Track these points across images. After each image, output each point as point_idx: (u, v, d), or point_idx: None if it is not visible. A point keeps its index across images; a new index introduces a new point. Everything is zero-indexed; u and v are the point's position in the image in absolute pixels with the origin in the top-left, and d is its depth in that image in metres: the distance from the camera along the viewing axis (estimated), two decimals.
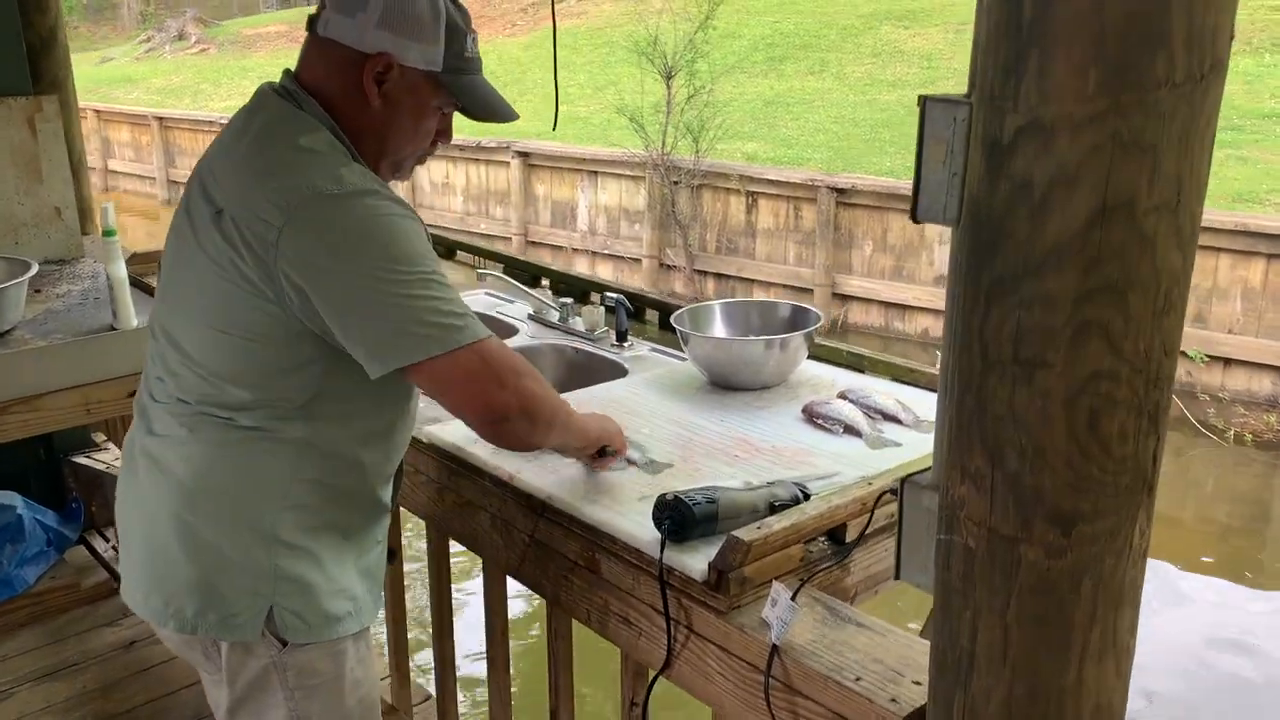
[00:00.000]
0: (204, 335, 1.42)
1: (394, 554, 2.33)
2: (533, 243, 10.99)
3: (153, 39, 23.88)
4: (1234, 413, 7.09)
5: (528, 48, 16.42)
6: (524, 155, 10.85)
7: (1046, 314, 0.91)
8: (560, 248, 10.80)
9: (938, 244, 8.44)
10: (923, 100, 1.01)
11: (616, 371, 2.50)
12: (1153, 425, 0.95)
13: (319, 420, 1.44)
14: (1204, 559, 5.60)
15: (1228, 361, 7.25)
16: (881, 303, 8.81)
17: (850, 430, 2.02)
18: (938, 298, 8.27)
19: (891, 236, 8.71)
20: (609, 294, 2.77)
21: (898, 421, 2.07)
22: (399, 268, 1.33)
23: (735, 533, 1.44)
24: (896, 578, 1.16)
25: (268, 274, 1.34)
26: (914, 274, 8.63)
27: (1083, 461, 0.93)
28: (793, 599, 1.35)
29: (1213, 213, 7.32)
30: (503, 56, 15.61)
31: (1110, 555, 0.96)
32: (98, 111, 16.25)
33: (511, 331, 2.80)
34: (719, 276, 9.74)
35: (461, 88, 1.51)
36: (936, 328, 8.16)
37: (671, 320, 2.37)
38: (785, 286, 9.31)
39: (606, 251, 10.43)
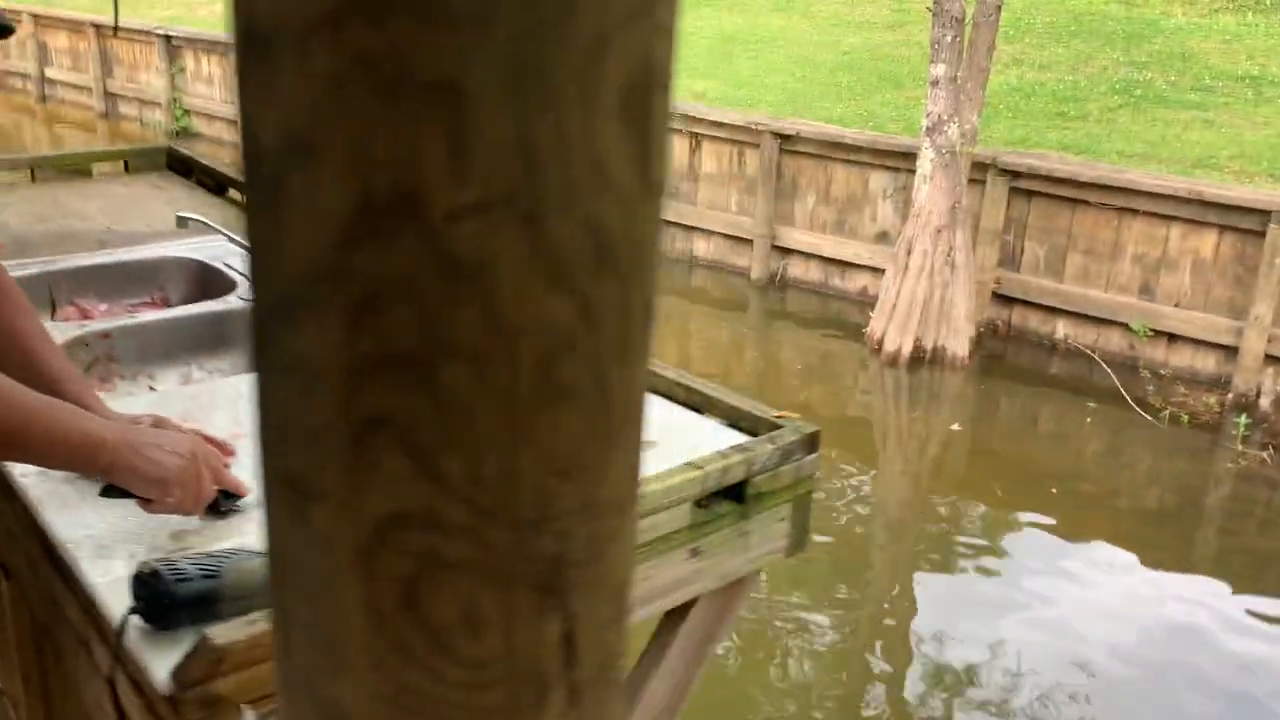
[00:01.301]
0: None
1: None
2: None
3: None
4: (1173, 391, 6.72)
5: None
6: None
7: (305, 395, 0.48)
8: None
9: (881, 199, 7.98)
10: None
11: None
12: (552, 600, 0.52)
13: None
14: (1122, 546, 5.25)
15: (1172, 337, 6.86)
16: (822, 258, 8.37)
17: None
18: (879, 255, 7.84)
19: (835, 188, 8.24)
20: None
21: None
22: None
23: (215, 629, 1.01)
24: None
25: None
26: (856, 229, 8.18)
27: (401, 665, 0.51)
28: None
29: (1168, 178, 6.89)
30: None
31: None
32: (35, 16, 15.48)
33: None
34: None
35: None
36: (875, 286, 7.74)
37: None
38: (726, 236, 8.86)
39: None
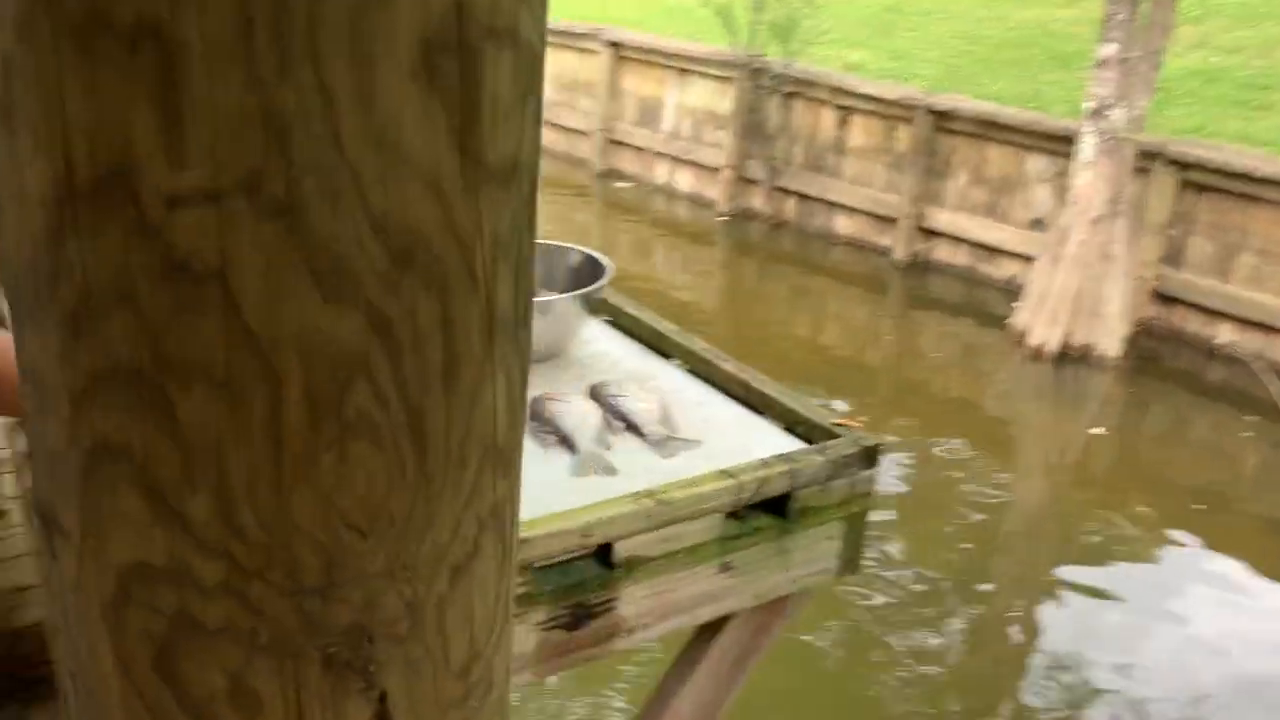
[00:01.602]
0: None
1: None
2: (615, 142, 10.41)
3: None
4: None
5: None
6: (615, 45, 10.21)
7: (41, 414, 0.39)
8: (642, 149, 10.19)
9: (1037, 183, 7.57)
10: None
11: None
12: (355, 680, 0.43)
13: None
14: None
15: None
16: (969, 242, 8.00)
17: (565, 443, 1.52)
18: (1030, 243, 7.45)
19: (988, 169, 7.86)
20: None
21: (638, 434, 1.56)
22: None
23: None
24: None
25: None
26: (1008, 213, 7.79)
27: None
28: None
29: None
30: None
31: None
32: None
33: None
34: (801, 196, 9.03)
35: None
36: (1024, 275, 7.36)
37: None
38: (869, 214, 8.57)
39: (687, 157, 9.79)
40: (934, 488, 5.49)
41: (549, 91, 11.14)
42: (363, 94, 0.39)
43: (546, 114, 11.12)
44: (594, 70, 10.50)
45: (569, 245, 2.11)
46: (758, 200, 9.28)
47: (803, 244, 8.95)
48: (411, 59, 0.40)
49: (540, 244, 2.15)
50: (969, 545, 5.08)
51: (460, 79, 0.43)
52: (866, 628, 4.36)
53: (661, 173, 10.07)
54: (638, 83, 10.25)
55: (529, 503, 1.41)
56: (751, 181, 9.29)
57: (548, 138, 11.11)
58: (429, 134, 0.42)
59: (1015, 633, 4.52)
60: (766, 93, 8.97)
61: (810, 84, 8.77)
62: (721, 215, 9.38)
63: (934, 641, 4.36)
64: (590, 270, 2.00)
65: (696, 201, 9.73)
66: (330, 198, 0.39)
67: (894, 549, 4.89)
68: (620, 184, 10.24)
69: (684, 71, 9.76)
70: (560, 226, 9.52)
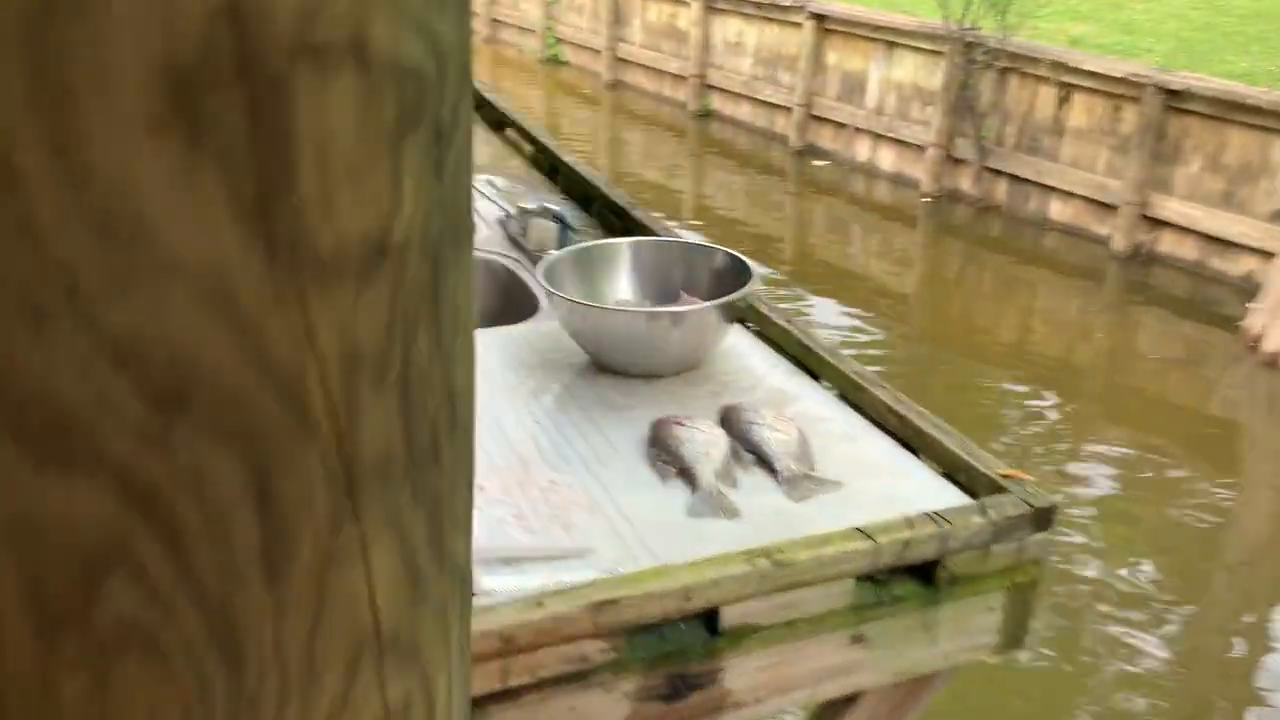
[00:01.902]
0: None
1: None
2: (815, 117, 10.05)
3: None
4: None
5: None
6: (819, 17, 9.83)
7: None
8: (843, 126, 9.80)
9: None
10: None
11: (528, 312, 1.88)
12: None
13: None
14: None
15: None
16: (1200, 234, 7.30)
17: (685, 475, 1.34)
18: (1271, 238, 6.72)
19: (1227, 155, 7.13)
20: (548, 204, 2.11)
21: (770, 469, 1.36)
22: None
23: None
24: None
25: None
26: (1247, 204, 7.04)
27: None
28: None
29: None
30: None
31: None
32: None
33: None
34: (1013, 179, 8.46)
35: None
36: (1262, 272, 6.65)
37: (537, 268, 1.72)
38: (1087, 200, 7.94)
39: (891, 134, 9.34)
40: (1146, 504, 5.01)
41: (747, 66, 10.87)
42: (69, 158, 0.22)
43: (745, 89, 10.87)
44: (796, 43, 10.16)
45: (713, 245, 1.92)
46: (965, 182, 8.76)
47: (1012, 230, 8.39)
48: (152, 101, 0.24)
49: (682, 243, 1.96)
50: (1178, 568, 4.59)
51: (250, 126, 0.26)
52: (1063, 639, 3.99)
53: (862, 150, 9.66)
54: (842, 56, 9.85)
55: (634, 546, 1.24)
56: (959, 161, 8.78)
57: (743, 112, 10.87)
58: (196, 215, 0.26)
59: (1230, 653, 4.05)
60: (979, 68, 8.43)
61: (1028, 59, 8.18)
62: (925, 196, 8.91)
63: (1133, 662, 3.95)
64: (734, 274, 1.80)
65: (898, 181, 9.28)
66: (31, 320, 0.23)
67: (1092, 570, 4.47)
68: (818, 162, 9.89)
69: (891, 45, 9.30)
70: (753, 204, 9.28)
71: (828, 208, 9.25)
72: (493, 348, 1.83)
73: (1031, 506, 1.35)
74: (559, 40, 14.03)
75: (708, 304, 1.70)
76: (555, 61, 13.92)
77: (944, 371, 6.35)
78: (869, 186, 9.45)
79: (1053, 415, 5.85)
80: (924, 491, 1.44)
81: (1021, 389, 6.00)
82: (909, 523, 1.30)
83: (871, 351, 6.37)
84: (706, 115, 11.26)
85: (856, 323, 6.74)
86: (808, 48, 10.00)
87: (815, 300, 7.00)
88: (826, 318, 6.73)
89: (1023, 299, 7.68)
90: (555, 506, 1.41)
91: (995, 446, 5.07)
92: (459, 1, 0.37)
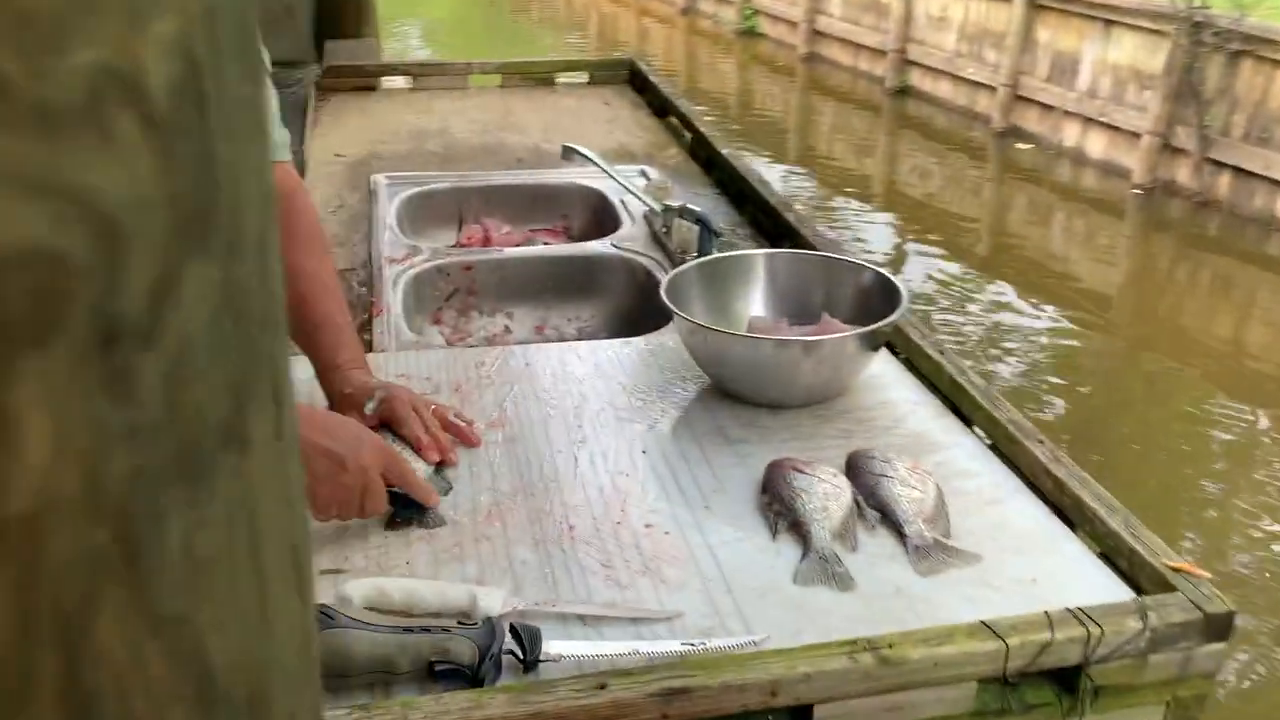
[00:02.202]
0: None
1: None
2: (1021, 98, 9.46)
3: None
4: None
5: None
6: None
7: None
8: (1051, 108, 9.19)
9: None
10: None
11: (663, 317, 1.74)
12: None
13: None
14: None
15: None
16: None
17: (797, 530, 1.18)
18: None
19: None
20: (691, 205, 1.95)
21: (898, 532, 1.18)
22: None
23: None
24: None
25: None
26: None
27: None
28: None
29: None
30: None
31: None
32: None
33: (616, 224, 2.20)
34: (1239, 172, 7.73)
35: None
36: None
37: (662, 286, 1.56)
38: None
39: (1104, 119, 8.69)
40: None
41: (950, 41, 10.32)
42: None
43: (947, 65, 10.33)
44: (1005, 19, 9.58)
45: (860, 262, 1.72)
46: (1183, 173, 8.07)
47: (1234, 227, 7.68)
48: None
49: (824, 257, 1.77)
50: None
51: None
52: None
53: (1070, 135, 9.04)
54: (1054, 34, 9.22)
55: (728, 615, 1.08)
56: (1177, 151, 8.09)
57: (943, 90, 10.35)
58: None
59: None
60: (1208, 50, 7.71)
61: (1266, 41, 7.43)
62: (1136, 187, 8.26)
63: None
64: (883, 294, 1.60)
65: (1107, 169, 8.64)
66: None
67: None
68: (1021, 145, 9.32)
69: (1110, 23, 8.63)
70: (948, 187, 8.83)
71: (1029, 194, 8.70)
72: (615, 361, 1.70)
73: (1203, 612, 1.11)
74: (755, 12, 13.73)
75: (846, 332, 1.52)
76: (751, 33, 13.64)
77: (1146, 385, 5.85)
78: (1075, 174, 8.84)
79: (1271, 447, 5.29)
80: (1075, 576, 1.22)
81: (1236, 406, 5.46)
82: (1049, 621, 1.09)
83: (1066, 358, 5.94)
84: (903, 92, 10.80)
85: (1052, 324, 6.30)
86: (1017, 24, 9.41)
87: (1008, 294, 6.58)
88: (1019, 318, 6.32)
89: (1241, 304, 7.02)
90: (648, 556, 1.27)
91: (1204, 483, 4.61)
92: (166, 132, 0.23)
